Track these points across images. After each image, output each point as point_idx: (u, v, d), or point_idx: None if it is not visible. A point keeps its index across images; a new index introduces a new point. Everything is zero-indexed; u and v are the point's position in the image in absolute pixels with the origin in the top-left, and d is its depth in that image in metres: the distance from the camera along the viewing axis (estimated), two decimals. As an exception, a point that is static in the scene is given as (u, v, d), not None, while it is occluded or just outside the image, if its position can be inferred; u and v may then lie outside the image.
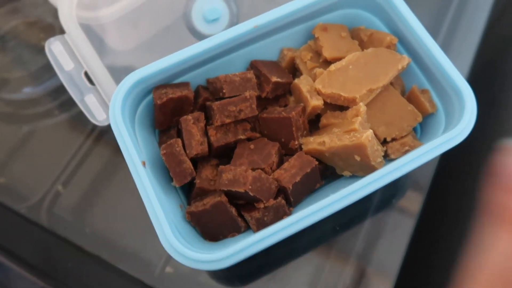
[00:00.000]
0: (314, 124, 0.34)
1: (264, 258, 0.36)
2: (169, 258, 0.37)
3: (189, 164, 0.31)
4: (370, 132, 0.28)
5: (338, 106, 0.33)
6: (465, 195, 0.47)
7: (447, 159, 0.45)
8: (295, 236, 0.37)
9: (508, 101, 0.50)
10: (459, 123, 0.28)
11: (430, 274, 0.43)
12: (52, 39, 0.35)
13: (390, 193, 0.39)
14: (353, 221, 0.38)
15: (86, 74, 0.37)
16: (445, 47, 0.45)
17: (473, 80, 0.46)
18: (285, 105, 0.35)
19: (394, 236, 0.37)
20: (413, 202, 0.38)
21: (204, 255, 0.27)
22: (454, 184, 0.47)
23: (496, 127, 0.50)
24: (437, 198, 0.42)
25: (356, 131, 0.29)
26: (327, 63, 0.34)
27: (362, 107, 0.30)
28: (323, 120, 0.33)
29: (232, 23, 0.39)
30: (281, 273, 0.36)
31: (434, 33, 0.45)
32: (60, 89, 0.44)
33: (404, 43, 0.34)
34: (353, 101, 0.31)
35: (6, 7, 0.50)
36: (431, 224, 0.43)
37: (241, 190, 0.29)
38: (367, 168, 0.30)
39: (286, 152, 0.33)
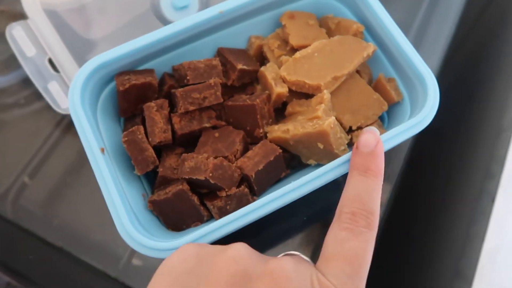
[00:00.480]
0: (280, 112, 0.34)
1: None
2: (134, 250, 0.37)
3: (151, 152, 0.31)
4: (332, 119, 0.28)
5: (304, 94, 0.33)
6: (433, 183, 0.47)
7: (419, 150, 0.45)
8: (263, 228, 0.36)
9: (482, 91, 0.51)
10: (422, 110, 0.28)
11: (400, 262, 0.43)
12: (13, 24, 0.34)
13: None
14: (322, 213, 0.37)
15: (50, 61, 0.36)
16: (419, 39, 0.45)
17: (448, 72, 0.46)
18: (252, 94, 0.34)
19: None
20: (382, 192, 0.38)
21: (161, 243, 0.26)
22: (424, 175, 0.47)
23: (471, 117, 0.50)
24: (407, 188, 0.42)
25: (319, 119, 0.29)
26: (294, 51, 0.33)
27: (326, 94, 0.30)
28: (289, 108, 0.32)
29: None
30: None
31: (407, 25, 0.45)
32: (29, 80, 0.43)
33: (371, 31, 0.33)
34: (318, 89, 0.30)
35: (-27, -5, 0.49)
36: (399, 213, 0.43)
37: (202, 177, 0.28)
38: (331, 156, 0.29)
39: (252, 141, 0.32)
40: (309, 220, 0.37)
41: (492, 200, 0.38)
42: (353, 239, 0.23)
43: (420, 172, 0.47)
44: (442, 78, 0.45)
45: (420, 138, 0.40)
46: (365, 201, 0.24)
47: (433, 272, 0.42)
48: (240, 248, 0.23)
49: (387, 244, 0.43)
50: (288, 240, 0.36)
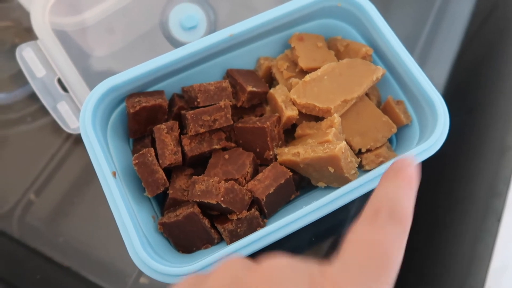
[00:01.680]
0: (290, 134, 0.34)
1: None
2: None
3: (162, 174, 0.31)
4: (343, 143, 0.28)
5: (313, 117, 0.33)
6: (439, 202, 0.48)
7: (424, 165, 0.46)
8: (271, 247, 0.37)
9: (486, 108, 0.51)
10: (432, 135, 0.28)
11: (405, 279, 0.43)
12: (23, 45, 0.34)
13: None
14: (330, 231, 0.37)
15: (59, 80, 0.36)
16: (424, 56, 0.45)
17: (453, 87, 0.46)
18: (261, 115, 0.35)
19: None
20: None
21: (173, 268, 0.27)
22: (431, 191, 0.47)
23: (475, 134, 0.50)
24: (414, 209, 0.42)
25: (330, 143, 0.29)
26: (303, 73, 0.34)
27: (336, 118, 0.30)
28: (299, 131, 0.33)
29: (210, 31, 0.39)
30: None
31: (413, 42, 0.46)
32: (35, 95, 0.43)
33: (380, 54, 0.34)
34: (328, 112, 0.31)
35: (-20, 10, 0.49)
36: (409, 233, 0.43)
37: (213, 201, 0.28)
38: (341, 180, 0.30)
39: (261, 162, 0.33)
40: (317, 239, 0.37)
41: (498, 219, 0.38)
42: (375, 231, 0.19)
43: (425, 189, 0.48)
44: (446, 94, 0.45)
45: None
46: (394, 199, 0.20)
47: (440, 289, 0.42)
48: (232, 257, 0.20)
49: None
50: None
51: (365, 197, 0.38)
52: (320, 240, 0.37)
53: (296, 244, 0.37)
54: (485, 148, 0.48)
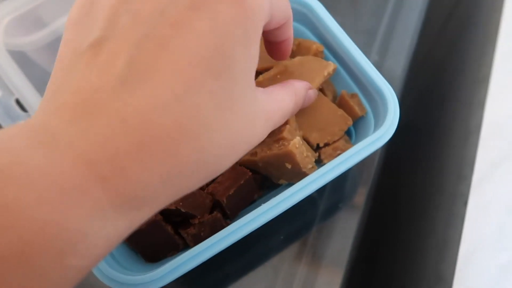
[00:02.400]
0: (250, 135, 0.34)
1: (214, 275, 0.36)
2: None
3: (122, 185, 0.31)
4: (297, 139, 0.29)
5: (271, 116, 0.33)
6: (409, 190, 0.48)
7: (395, 154, 0.46)
8: (242, 250, 0.37)
9: (452, 96, 0.52)
10: (383, 125, 0.29)
11: (383, 267, 0.43)
12: (-23, 68, 0.34)
13: (335, 200, 0.39)
14: (300, 230, 0.38)
15: (17, 101, 0.36)
16: (384, 48, 0.46)
17: (415, 76, 0.47)
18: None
19: (341, 238, 0.37)
20: (358, 205, 0.39)
21: (136, 277, 0.26)
22: (398, 180, 0.48)
23: (441, 120, 0.51)
24: (385, 193, 0.43)
25: (284, 140, 0.29)
26: (257, 73, 0.34)
27: (290, 115, 0.31)
28: (257, 131, 0.33)
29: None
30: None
31: (371, 35, 0.47)
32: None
33: (331, 50, 0.34)
34: None
35: None
36: (379, 217, 0.44)
37: (172, 207, 0.28)
38: (300, 175, 0.30)
39: (223, 165, 0.33)
40: (286, 238, 0.37)
41: (465, 203, 0.39)
42: None
43: (398, 177, 0.48)
44: (414, 82, 0.46)
45: (396, 142, 0.41)
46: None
47: (415, 277, 0.43)
48: None
49: (369, 249, 0.44)
50: (266, 262, 0.36)
51: (333, 195, 0.39)
52: (291, 240, 0.37)
53: (267, 245, 0.37)
54: (452, 133, 0.49)
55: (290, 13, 0.24)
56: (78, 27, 0.20)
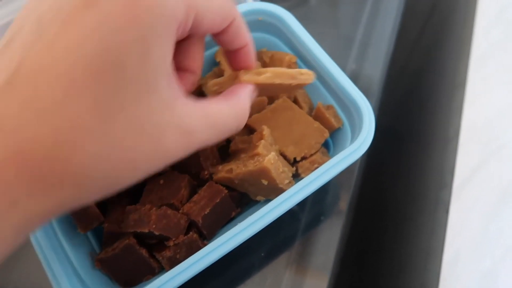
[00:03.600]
0: (225, 150, 0.33)
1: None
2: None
3: (94, 209, 0.30)
4: (272, 155, 0.28)
5: (247, 130, 0.33)
6: (391, 197, 0.48)
7: (380, 161, 0.46)
8: (221, 268, 0.36)
9: (431, 102, 0.52)
10: (358, 137, 0.29)
11: (369, 274, 0.43)
12: None
13: (317, 212, 0.38)
14: (282, 246, 0.37)
15: None
16: (361, 55, 0.46)
17: (392, 84, 0.47)
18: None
19: (325, 253, 0.36)
20: (340, 216, 0.38)
21: (108, 306, 0.25)
22: (381, 186, 0.48)
23: (422, 127, 0.52)
24: (368, 201, 0.43)
25: (259, 155, 0.29)
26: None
27: (265, 129, 0.30)
28: (232, 146, 0.32)
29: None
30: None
31: (350, 42, 0.47)
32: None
33: (305, 61, 0.34)
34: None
35: None
36: (363, 225, 0.43)
37: (146, 230, 0.27)
38: (277, 191, 0.29)
39: (199, 183, 0.32)
40: (267, 255, 0.36)
41: (447, 210, 0.39)
42: None
43: (380, 184, 0.48)
44: (385, 90, 0.46)
45: (376, 148, 0.41)
46: None
47: (401, 286, 0.42)
48: None
49: (353, 259, 0.43)
50: (247, 279, 0.35)
51: (315, 207, 0.38)
52: (273, 256, 0.36)
53: (248, 262, 0.36)
54: (431, 140, 0.49)
55: (232, 14, 0.22)
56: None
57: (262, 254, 0.35)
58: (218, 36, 0.23)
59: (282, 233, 0.37)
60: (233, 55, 0.25)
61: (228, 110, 0.22)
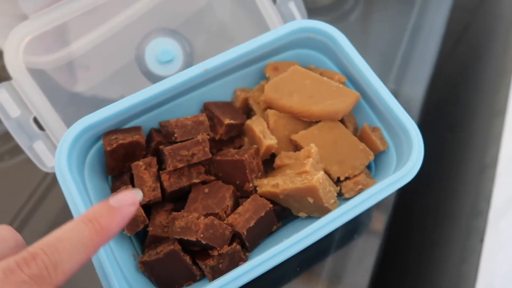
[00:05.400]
0: (269, 163, 0.34)
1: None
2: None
3: (141, 212, 0.30)
4: (321, 174, 0.28)
5: (292, 146, 0.33)
6: (426, 223, 0.48)
7: (410, 184, 0.46)
8: (255, 278, 0.36)
9: (465, 126, 0.52)
10: (408, 162, 0.29)
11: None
12: (-3, 85, 0.34)
13: (351, 229, 0.38)
14: (314, 259, 0.37)
15: (35, 119, 0.36)
16: (401, 76, 0.46)
17: (432, 106, 0.47)
18: (240, 146, 0.35)
19: (356, 273, 0.37)
20: (374, 236, 0.38)
21: (154, 310, 0.26)
22: (418, 211, 0.48)
23: (456, 152, 0.51)
24: (398, 227, 0.42)
25: (307, 173, 0.29)
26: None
27: (313, 148, 0.30)
28: (277, 161, 0.33)
29: (187, 63, 0.39)
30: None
31: (388, 65, 0.47)
32: (9, 133, 0.43)
33: (353, 82, 0.34)
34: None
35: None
36: (393, 251, 0.43)
37: (193, 238, 0.28)
38: (322, 209, 0.30)
39: (242, 195, 0.32)
40: (302, 268, 0.36)
41: (481, 239, 0.39)
42: (5, 283, 0.17)
43: (410, 212, 0.48)
44: (425, 112, 0.46)
45: None
46: (62, 250, 0.19)
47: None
48: None
49: (383, 282, 0.43)
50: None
51: (349, 224, 0.38)
52: (305, 268, 0.37)
53: (281, 273, 0.36)
54: (466, 166, 0.49)
55: None
56: None
57: (298, 269, 0.35)
58: None
59: (315, 248, 0.37)
60: None
61: None
